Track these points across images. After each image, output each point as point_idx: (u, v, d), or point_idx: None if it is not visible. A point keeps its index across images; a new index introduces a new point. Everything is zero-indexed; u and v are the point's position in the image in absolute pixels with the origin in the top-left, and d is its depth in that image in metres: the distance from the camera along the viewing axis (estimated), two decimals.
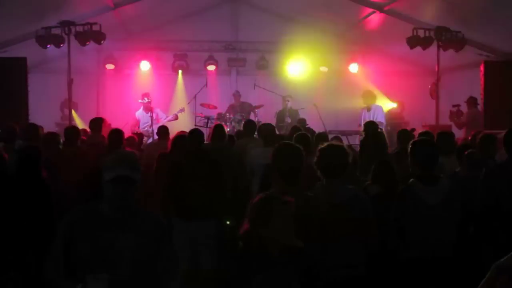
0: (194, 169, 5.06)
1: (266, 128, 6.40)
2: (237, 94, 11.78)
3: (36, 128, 6.24)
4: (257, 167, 5.66)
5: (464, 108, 9.68)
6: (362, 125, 9.81)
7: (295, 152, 3.52)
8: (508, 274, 1.90)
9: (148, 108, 10.57)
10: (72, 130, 6.52)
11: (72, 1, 9.21)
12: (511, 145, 4.30)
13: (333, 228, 3.34)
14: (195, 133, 5.60)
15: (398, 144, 6.45)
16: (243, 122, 10.54)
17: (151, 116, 10.40)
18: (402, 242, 3.79)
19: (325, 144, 3.67)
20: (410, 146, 4.00)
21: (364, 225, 3.48)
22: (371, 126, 6.48)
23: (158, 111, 10.76)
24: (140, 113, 10.75)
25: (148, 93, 10.87)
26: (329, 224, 3.32)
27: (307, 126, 9.36)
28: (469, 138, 6.90)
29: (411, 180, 3.87)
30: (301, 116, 10.99)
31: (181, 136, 5.99)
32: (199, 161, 5.16)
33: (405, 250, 3.77)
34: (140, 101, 10.72)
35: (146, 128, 10.32)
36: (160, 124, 10.38)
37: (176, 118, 10.64)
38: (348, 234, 3.41)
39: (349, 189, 3.57)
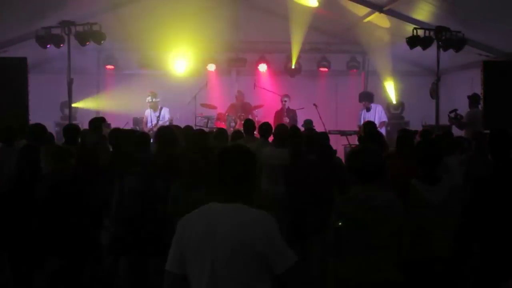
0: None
1: (281, 129, 6.43)
2: (239, 94, 11.80)
3: (42, 128, 6.23)
4: (268, 167, 5.79)
5: (460, 108, 9.60)
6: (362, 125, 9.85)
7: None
8: None
9: (155, 107, 10.58)
10: (71, 128, 6.47)
11: (72, 1, 9.21)
12: (497, 147, 4.28)
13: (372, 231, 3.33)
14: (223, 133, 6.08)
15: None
16: (242, 122, 10.56)
17: (158, 116, 10.42)
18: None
19: (359, 147, 3.67)
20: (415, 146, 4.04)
21: (399, 229, 3.44)
22: (369, 126, 6.50)
23: (165, 111, 10.74)
24: (148, 112, 10.79)
25: (154, 91, 10.85)
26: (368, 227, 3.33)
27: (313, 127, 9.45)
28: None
29: (413, 179, 3.88)
30: (299, 116, 11.03)
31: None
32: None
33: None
34: (147, 101, 10.72)
35: (150, 127, 10.33)
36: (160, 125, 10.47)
37: (172, 120, 10.63)
38: (384, 238, 3.36)
39: (385, 193, 3.52)
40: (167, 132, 5.73)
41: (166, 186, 4.73)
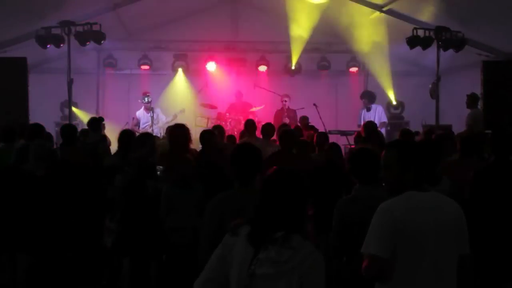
0: None
1: (285, 130, 6.43)
2: (239, 94, 11.81)
3: (40, 127, 6.22)
4: None
5: (460, 108, 9.54)
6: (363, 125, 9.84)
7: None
8: None
9: (149, 108, 10.59)
10: (69, 128, 6.44)
11: (72, 1, 9.20)
12: (499, 146, 4.29)
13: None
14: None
15: None
16: (242, 122, 10.56)
17: (152, 116, 10.42)
18: None
19: (358, 148, 3.69)
20: None
21: None
22: (370, 126, 6.49)
23: (158, 111, 10.77)
24: (140, 112, 10.79)
25: (148, 92, 10.90)
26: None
27: (309, 124, 9.42)
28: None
29: None
30: (299, 115, 11.01)
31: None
32: None
33: None
34: (141, 101, 10.74)
35: (146, 128, 10.33)
36: (160, 124, 10.48)
37: (175, 118, 10.64)
38: None
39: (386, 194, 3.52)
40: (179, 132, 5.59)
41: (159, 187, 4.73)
